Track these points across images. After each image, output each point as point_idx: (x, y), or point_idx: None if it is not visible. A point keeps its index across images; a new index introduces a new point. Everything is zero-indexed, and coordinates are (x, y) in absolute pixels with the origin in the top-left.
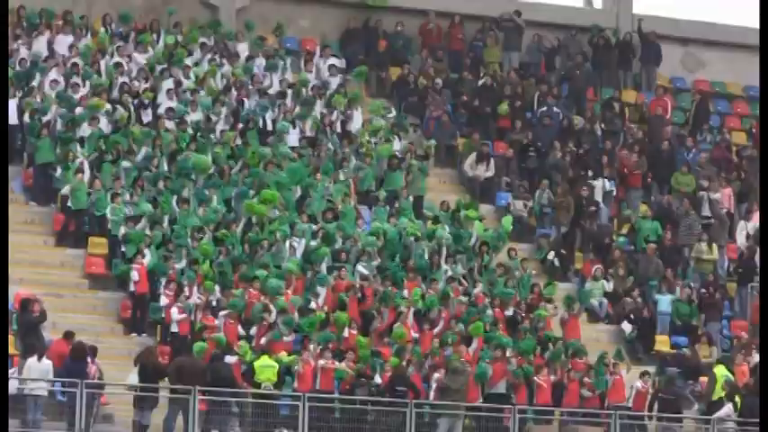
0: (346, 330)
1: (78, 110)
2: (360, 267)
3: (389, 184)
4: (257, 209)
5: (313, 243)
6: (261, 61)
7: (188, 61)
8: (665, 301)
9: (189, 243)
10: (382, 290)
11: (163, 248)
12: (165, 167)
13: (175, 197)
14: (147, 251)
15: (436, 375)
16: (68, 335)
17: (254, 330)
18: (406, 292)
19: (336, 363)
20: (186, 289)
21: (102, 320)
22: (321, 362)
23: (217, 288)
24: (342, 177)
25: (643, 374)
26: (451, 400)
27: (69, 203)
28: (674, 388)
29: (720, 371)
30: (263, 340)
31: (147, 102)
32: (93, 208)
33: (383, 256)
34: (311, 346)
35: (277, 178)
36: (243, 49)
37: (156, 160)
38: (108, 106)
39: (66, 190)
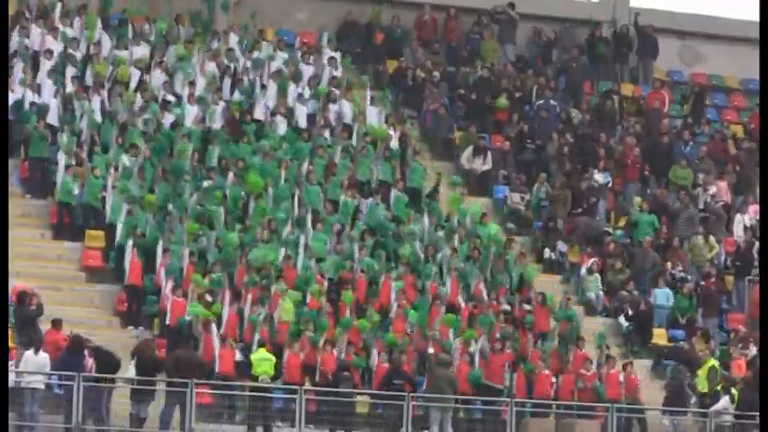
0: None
1: (74, 101)
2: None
3: (384, 176)
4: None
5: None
6: (256, 53)
7: (184, 53)
8: (661, 295)
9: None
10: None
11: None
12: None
13: (171, 188)
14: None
15: (430, 350)
16: (56, 323)
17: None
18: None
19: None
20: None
21: (100, 313)
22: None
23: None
24: (337, 169)
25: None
26: (438, 390)
27: (60, 196)
28: (678, 381)
29: (714, 365)
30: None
31: (143, 93)
32: (86, 200)
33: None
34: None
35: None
36: (238, 40)
37: (151, 151)
38: (104, 98)
39: (57, 182)
